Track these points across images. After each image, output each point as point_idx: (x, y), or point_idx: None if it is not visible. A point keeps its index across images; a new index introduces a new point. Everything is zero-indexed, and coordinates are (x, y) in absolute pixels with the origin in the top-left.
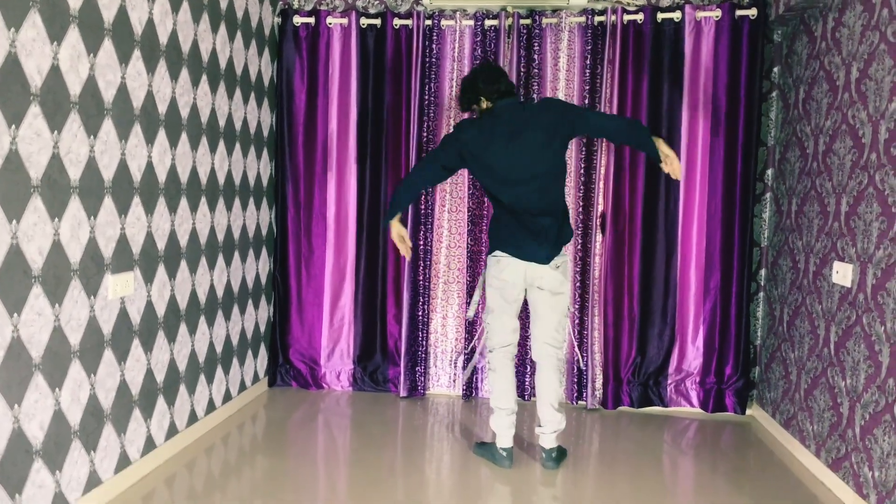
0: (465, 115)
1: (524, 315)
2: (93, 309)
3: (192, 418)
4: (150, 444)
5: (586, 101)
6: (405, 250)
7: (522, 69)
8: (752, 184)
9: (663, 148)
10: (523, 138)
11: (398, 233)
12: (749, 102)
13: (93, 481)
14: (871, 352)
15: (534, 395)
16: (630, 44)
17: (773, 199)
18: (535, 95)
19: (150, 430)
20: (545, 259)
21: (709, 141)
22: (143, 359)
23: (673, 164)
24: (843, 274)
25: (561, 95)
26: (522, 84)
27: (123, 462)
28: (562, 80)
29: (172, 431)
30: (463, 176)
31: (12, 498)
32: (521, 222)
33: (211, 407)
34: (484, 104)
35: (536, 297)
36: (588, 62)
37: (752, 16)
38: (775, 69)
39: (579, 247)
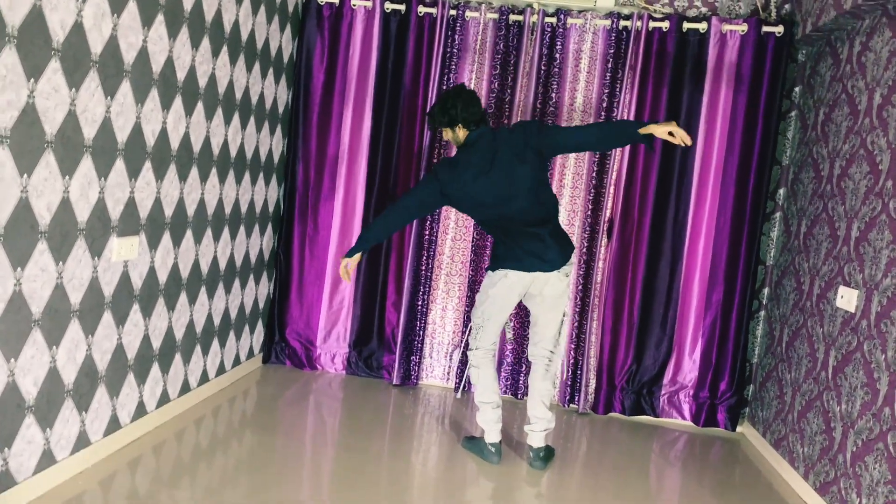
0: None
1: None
2: (96, 270)
3: (185, 388)
4: (141, 410)
5: (604, 105)
6: (346, 276)
7: (543, 67)
8: (763, 202)
9: (659, 130)
10: (498, 163)
11: (348, 265)
12: (767, 120)
13: (82, 441)
14: (869, 379)
15: (527, 395)
16: (653, 51)
17: (782, 218)
18: (553, 94)
19: (142, 396)
20: (552, 266)
21: (724, 155)
22: (142, 324)
23: (678, 134)
24: (847, 299)
25: (579, 97)
26: (542, 82)
27: (113, 425)
28: (581, 81)
29: (164, 399)
30: None
31: (1, 451)
32: (518, 238)
33: (204, 378)
34: (460, 132)
35: (538, 305)
36: (609, 66)
37: (779, 33)
38: (796, 89)
39: (584, 250)
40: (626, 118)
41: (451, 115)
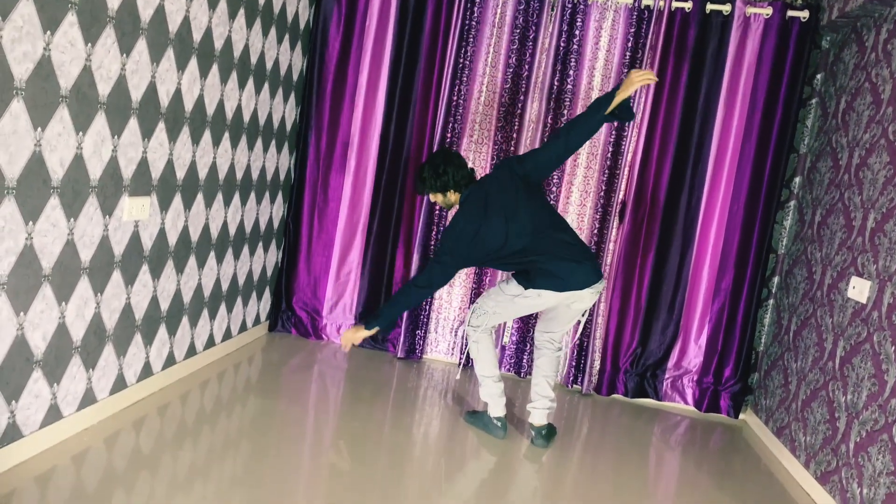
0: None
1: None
2: (106, 228)
3: (191, 351)
4: (147, 371)
5: None
6: (348, 345)
7: (562, 44)
8: (777, 189)
9: (626, 93)
10: (491, 208)
11: (358, 337)
12: (787, 107)
13: (88, 398)
14: (877, 370)
15: (529, 374)
16: (675, 32)
17: (797, 207)
18: (571, 72)
19: (148, 357)
20: (586, 284)
21: (741, 140)
22: (150, 285)
23: (641, 80)
24: (859, 290)
25: (598, 76)
26: (560, 59)
27: (119, 384)
28: (600, 59)
29: (170, 361)
30: (486, 150)
31: (9, 403)
32: (547, 264)
33: (210, 343)
34: (451, 196)
35: (562, 314)
36: (629, 45)
37: (804, 18)
38: (818, 76)
39: (595, 231)
40: (641, 99)
41: (444, 181)
